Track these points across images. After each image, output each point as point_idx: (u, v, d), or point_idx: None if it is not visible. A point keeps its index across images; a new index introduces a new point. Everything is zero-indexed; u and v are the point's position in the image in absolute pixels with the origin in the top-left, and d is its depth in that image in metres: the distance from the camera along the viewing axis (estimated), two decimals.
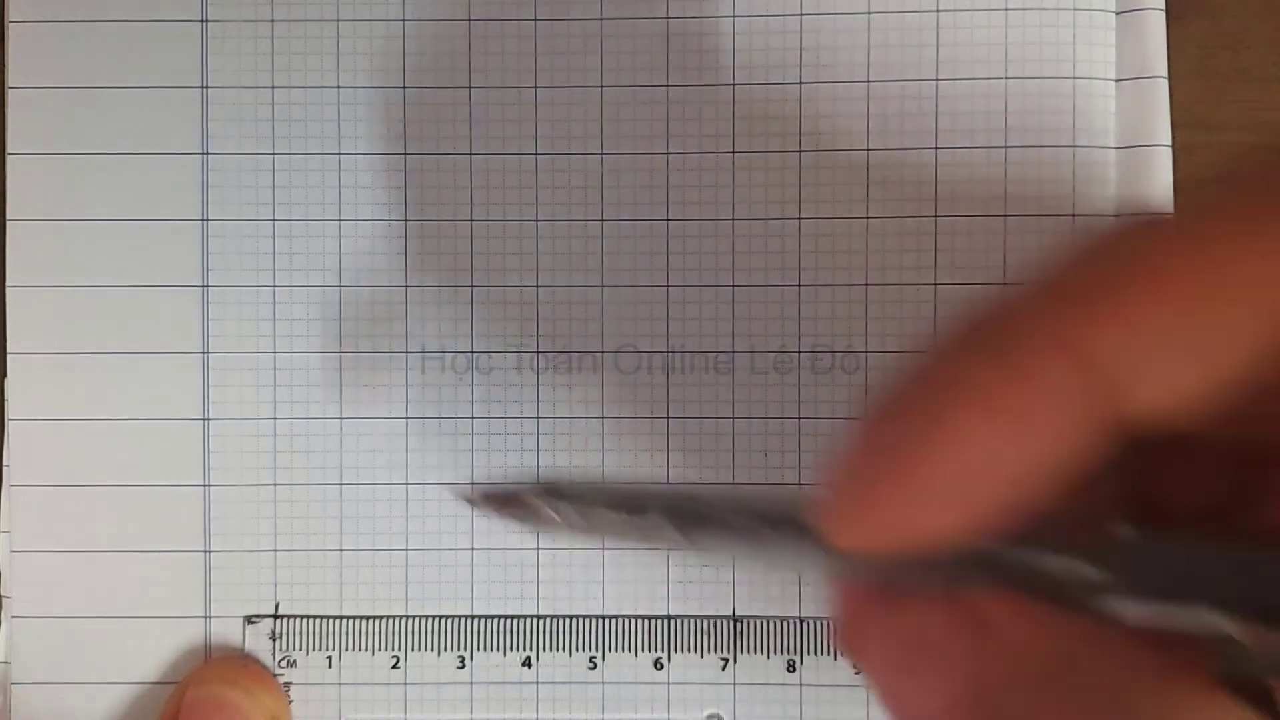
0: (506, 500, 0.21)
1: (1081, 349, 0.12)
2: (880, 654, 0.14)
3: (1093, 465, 0.13)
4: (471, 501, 0.23)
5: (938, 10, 0.28)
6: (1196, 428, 0.13)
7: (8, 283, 0.28)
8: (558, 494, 0.21)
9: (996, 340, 0.13)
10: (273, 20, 0.29)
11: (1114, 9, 0.28)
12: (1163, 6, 0.28)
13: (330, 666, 0.28)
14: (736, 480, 0.28)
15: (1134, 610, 0.13)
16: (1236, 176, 0.13)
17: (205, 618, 0.28)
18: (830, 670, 0.28)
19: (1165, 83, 0.28)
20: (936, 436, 0.13)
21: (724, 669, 0.28)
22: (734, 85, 0.28)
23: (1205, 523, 0.15)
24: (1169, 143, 0.28)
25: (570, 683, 0.28)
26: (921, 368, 0.13)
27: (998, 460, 0.12)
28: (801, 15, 0.28)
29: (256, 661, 0.28)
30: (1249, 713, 0.11)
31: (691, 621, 0.28)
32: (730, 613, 0.28)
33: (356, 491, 0.29)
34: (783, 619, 0.28)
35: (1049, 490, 0.13)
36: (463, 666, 0.28)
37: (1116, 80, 0.28)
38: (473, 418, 0.29)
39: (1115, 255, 0.13)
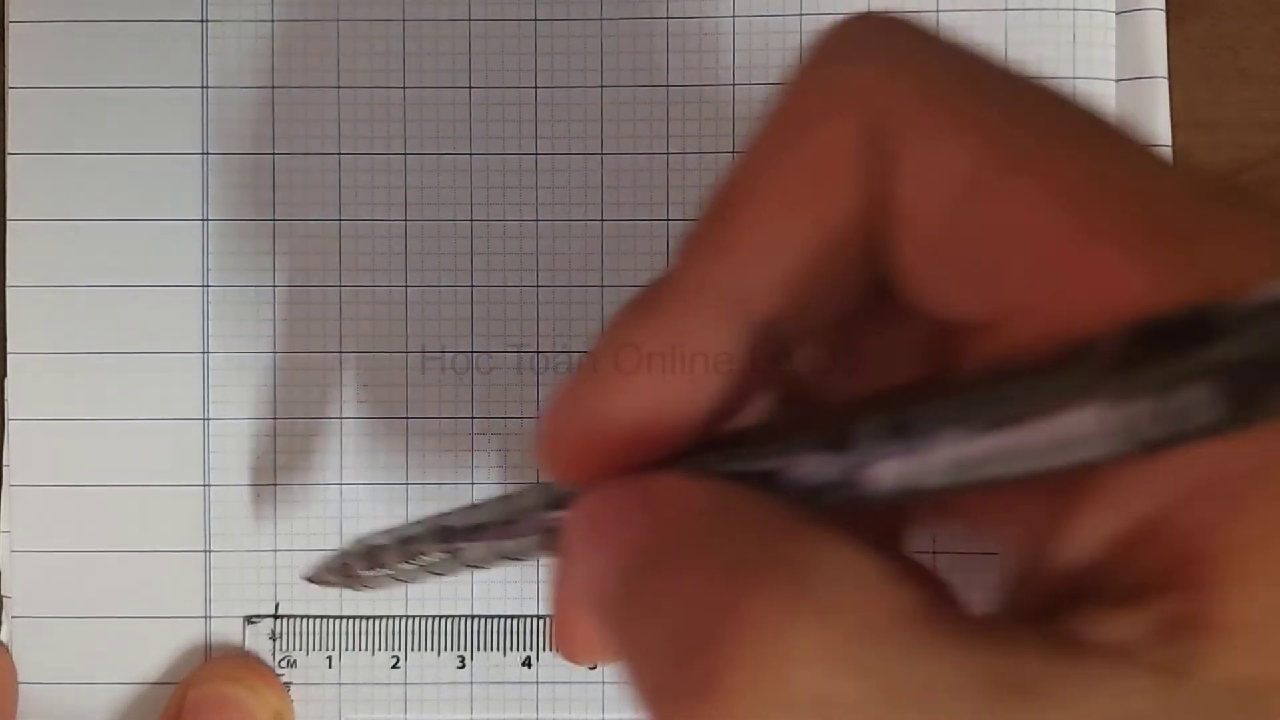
0: (336, 570, 0.24)
1: (714, 289, 0.15)
2: (570, 540, 0.16)
3: (756, 371, 0.16)
4: (311, 579, 0.26)
5: (938, 10, 0.28)
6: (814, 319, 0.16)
7: (8, 283, 0.28)
8: (367, 556, 0.23)
9: (652, 299, 0.15)
10: (273, 20, 0.29)
11: (1114, 9, 0.28)
12: (1163, 6, 0.28)
13: (330, 666, 0.28)
14: None
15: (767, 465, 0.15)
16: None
17: (205, 618, 0.28)
18: None
19: (1165, 83, 0.28)
20: (610, 391, 0.15)
21: None
22: (734, 85, 0.28)
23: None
24: (1169, 143, 0.28)
25: (570, 682, 0.28)
26: (603, 336, 0.16)
27: (664, 400, 0.15)
28: (801, 15, 0.28)
29: (258, 660, 0.28)
30: (849, 547, 0.14)
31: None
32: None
33: (356, 491, 0.29)
34: None
35: (723, 401, 0.15)
36: (463, 666, 0.28)
37: (1116, 80, 0.28)
38: (473, 417, 0.29)
39: (719, 199, 0.16)
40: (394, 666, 0.28)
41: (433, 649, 0.28)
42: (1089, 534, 0.14)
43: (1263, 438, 0.12)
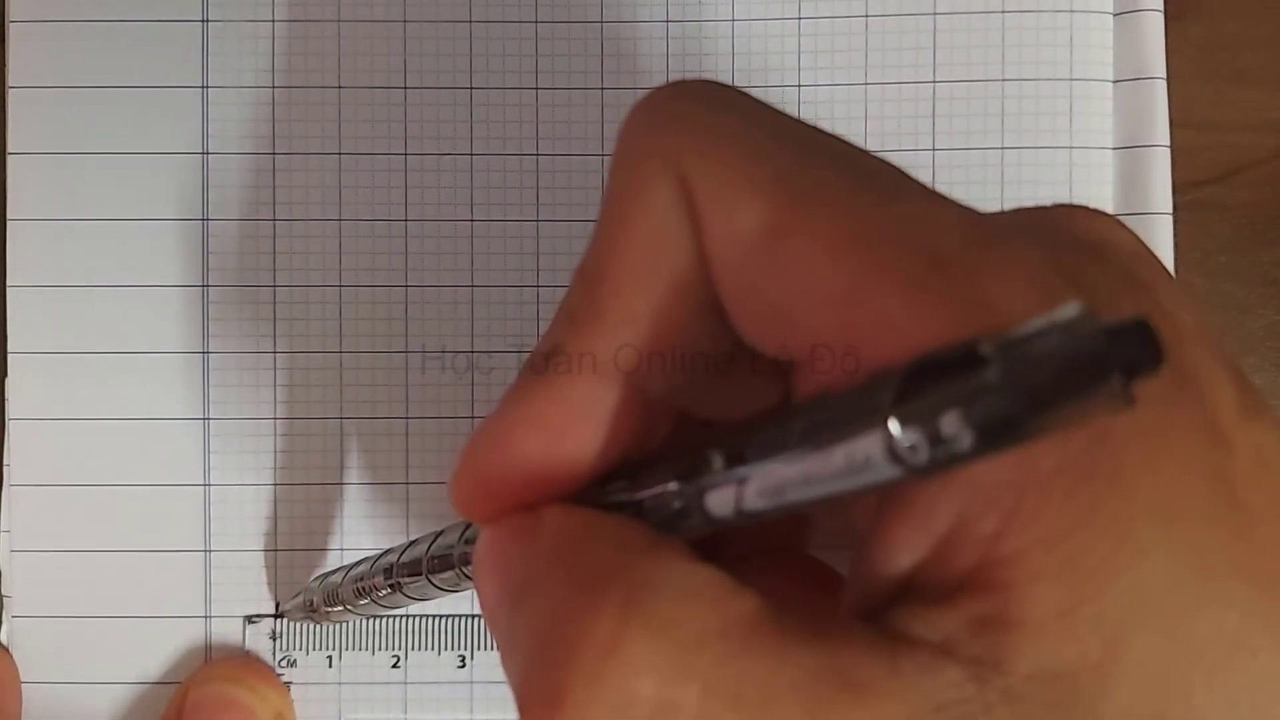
0: (302, 606, 0.27)
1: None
2: (475, 569, 0.18)
3: (637, 415, 0.17)
4: (284, 614, 0.28)
5: (935, 12, 0.28)
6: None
7: (8, 283, 0.28)
8: (328, 593, 0.26)
9: (540, 368, 0.17)
10: (273, 20, 0.29)
11: (1111, 10, 0.28)
12: (1160, 7, 0.28)
13: (330, 666, 0.28)
14: None
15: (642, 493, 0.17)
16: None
17: (205, 618, 0.28)
18: None
19: (1163, 84, 0.28)
20: (506, 444, 0.17)
21: None
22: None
23: None
24: (1167, 144, 0.28)
25: None
26: (503, 396, 0.18)
27: (552, 450, 0.17)
28: (800, 18, 0.28)
29: (259, 660, 0.28)
30: (688, 562, 0.15)
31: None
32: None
33: (356, 491, 0.29)
34: None
35: (608, 445, 0.17)
36: (463, 666, 0.28)
37: (1114, 81, 0.28)
38: (473, 418, 0.29)
39: (584, 273, 0.17)
40: (394, 666, 0.28)
41: (433, 649, 0.28)
42: (901, 543, 0.15)
43: (1037, 450, 0.13)
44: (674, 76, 0.28)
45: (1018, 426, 0.12)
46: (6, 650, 0.28)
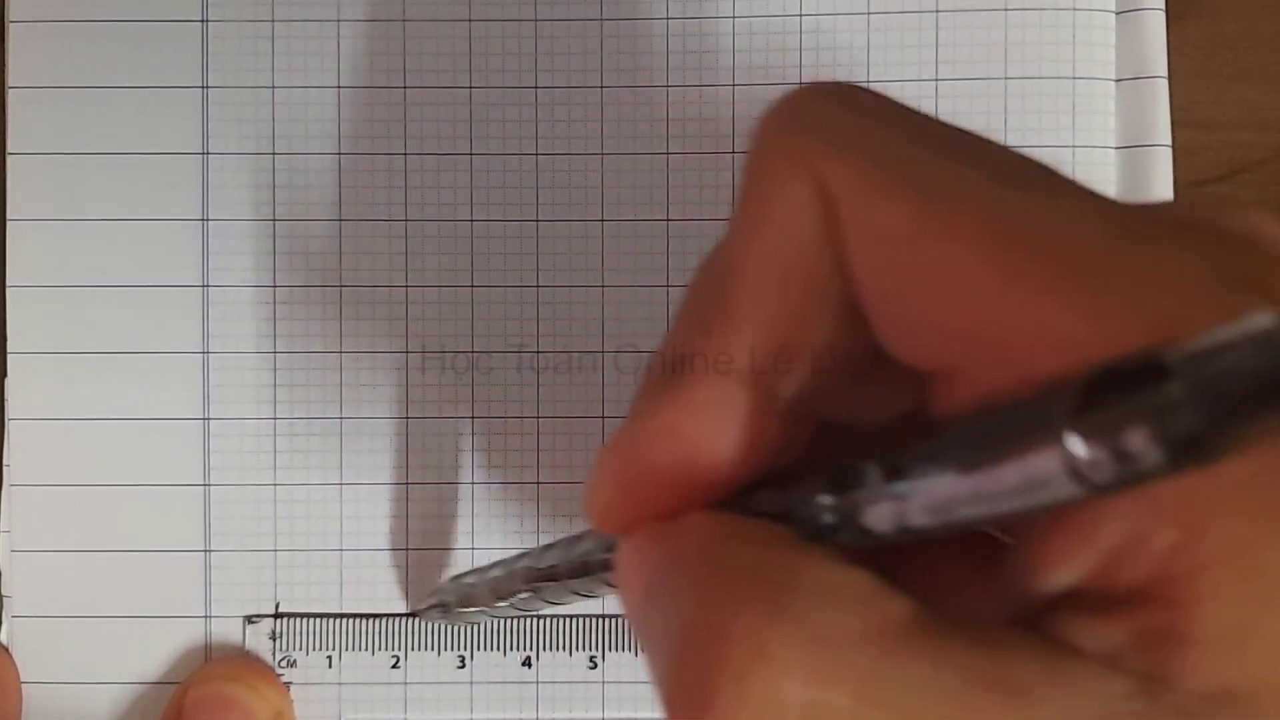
0: (437, 606, 0.27)
1: (723, 363, 0.16)
2: (617, 575, 0.18)
3: (772, 425, 0.17)
4: (418, 614, 0.28)
5: (937, 10, 0.28)
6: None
7: (8, 283, 0.28)
8: (464, 595, 0.26)
9: (672, 369, 0.17)
10: (273, 20, 0.29)
11: (1114, 9, 0.28)
12: (1162, 7, 0.28)
13: (330, 666, 0.28)
14: None
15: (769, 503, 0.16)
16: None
17: (205, 618, 0.28)
18: None
19: (1165, 83, 0.28)
20: (642, 457, 0.17)
21: None
22: (734, 86, 0.28)
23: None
24: (1169, 143, 0.28)
25: (570, 682, 0.28)
26: (632, 409, 0.17)
27: (688, 462, 0.17)
28: (801, 15, 0.28)
29: (258, 660, 0.28)
30: (836, 564, 0.15)
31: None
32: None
33: (356, 491, 0.29)
34: None
35: (743, 457, 0.17)
36: (463, 666, 0.28)
37: (1116, 80, 0.28)
38: (473, 417, 0.29)
39: (712, 278, 0.17)
40: (394, 666, 0.28)
41: (433, 649, 0.28)
42: (1064, 555, 0.14)
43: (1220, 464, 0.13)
44: (674, 75, 0.28)
45: (1209, 444, 0.11)
46: (7, 651, 0.28)
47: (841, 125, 0.16)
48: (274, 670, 0.28)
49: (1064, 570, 0.14)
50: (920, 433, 0.15)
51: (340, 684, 0.28)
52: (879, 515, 0.15)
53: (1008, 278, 0.14)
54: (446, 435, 0.29)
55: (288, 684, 0.28)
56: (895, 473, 0.15)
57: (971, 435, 0.14)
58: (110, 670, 0.28)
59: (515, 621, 0.28)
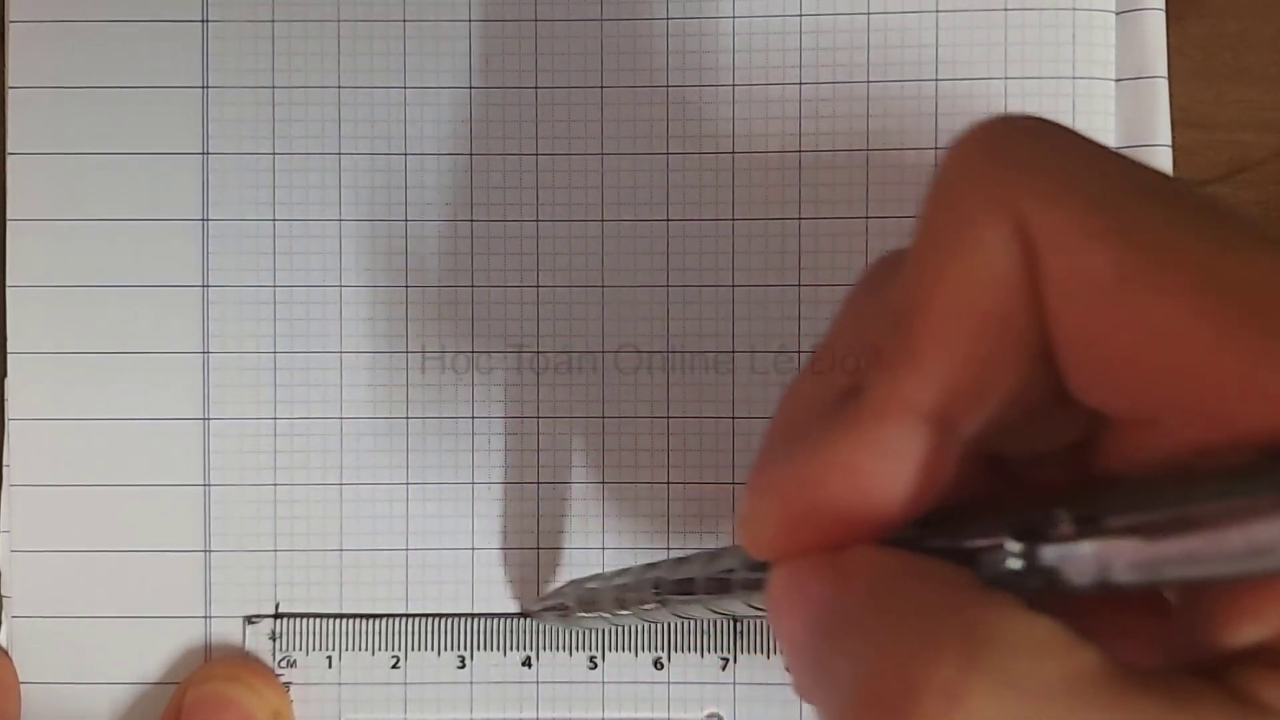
0: (555, 608, 0.27)
1: (904, 401, 0.16)
2: (768, 602, 0.18)
3: (946, 464, 0.16)
4: (530, 614, 0.28)
5: (937, 10, 0.28)
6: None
7: (8, 283, 0.28)
8: (585, 599, 0.26)
9: (854, 415, 0.16)
10: (273, 20, 0.29)
11: (1114, 9, 0.28)
12: (1162, 6, 0.28)
13: (330, 666, 0.28)
14: (737, 480, 0.28)
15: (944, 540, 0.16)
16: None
17: (205, 618, 0.28)
18: None
19: (1165, 83, 0.28)
20: (811, 489, 0.17)
21: (724, 669, 0.28)
22: (734, 86, 0.28)
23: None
24: (1169, 143, 0.28)
25: (570, 682, 0.28)
26: (803, 439, 0.17)
27: (861, 498, 0.16)
28: (801, 16, 0.28)
29: (258, 660, 0.28)
30: (1028, 613, 0.14)
31: (692, 621, 0.28)
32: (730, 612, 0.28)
33: (356, 491, 0.29)
34: None
35: (916, 495, 0.16)
36: (463, 666, 0.28)
37: (1116, 80, 0.28)
38: (473, 417, 0.29)
39: (896, 311, 0.16)
40: (394, 666, 0.28)
41: (433, 649, 0.28)
42: (1255, 614, 0.14)
43: None
44: (674, 75, 0.28)
45: None
46: (6, 653, 0.28)
47: (1043, 163, 0.16)
48: (273, 670, 0.28)
49: (1256, 627, 0.14)
50: (1117, 486, 0.14)
51: (340, 684, 0.28)
52: (1078, 568, 0.14)
53: (1222, 332, 0.14)
54: (446, 435, 0.29)
55: (287, 684, 0.28)
56: (1091, 523, 0.14)
57: (1187, 493, 0.13)
58: (110, 670, 0.28)
59: (514, 621, 0.28)
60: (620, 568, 0.26)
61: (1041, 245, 0.15)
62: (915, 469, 0.16)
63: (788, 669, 0.20)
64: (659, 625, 0.28)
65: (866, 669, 0.15)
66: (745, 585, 0.21)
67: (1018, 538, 0.15)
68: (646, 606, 0.24)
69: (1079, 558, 0.14)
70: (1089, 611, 0.16)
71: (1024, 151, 0.16)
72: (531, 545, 0.28)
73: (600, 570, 0.28)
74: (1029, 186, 0.15)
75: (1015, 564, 0.15)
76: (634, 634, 0.28)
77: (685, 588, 0.22)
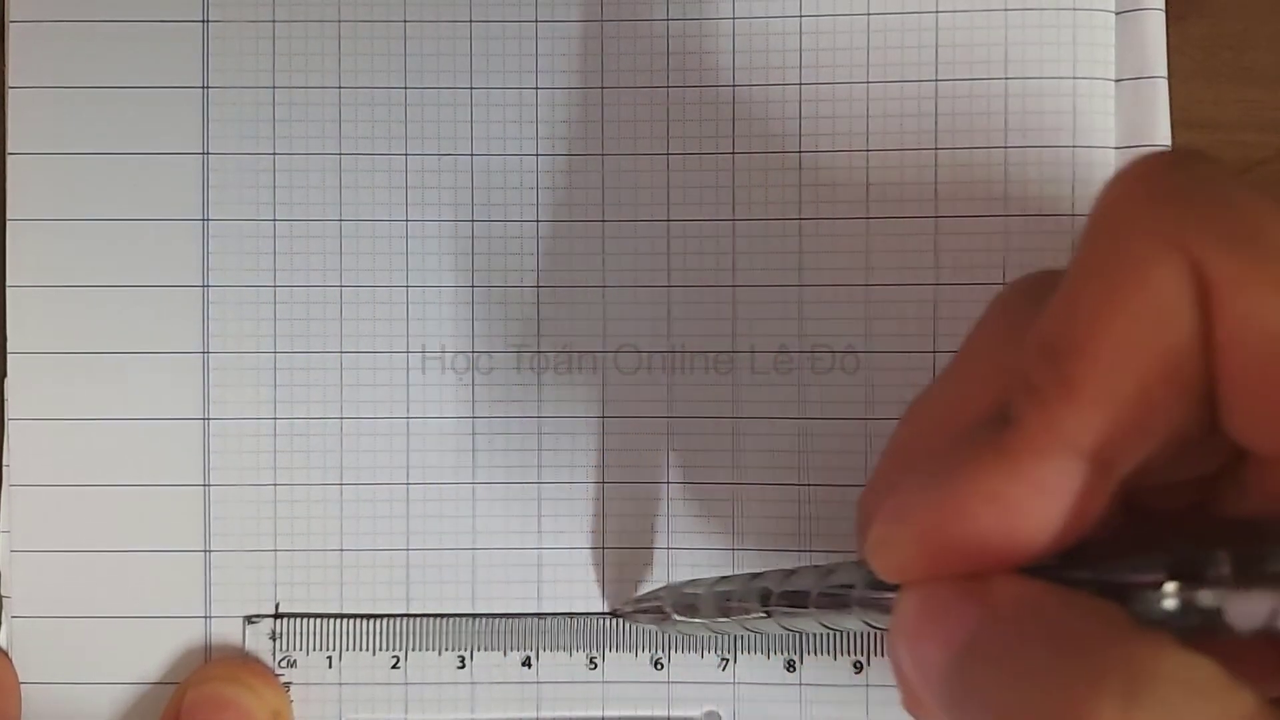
0: (649, 610, 0.27)
1: (1060, 435, 0.16)
2: (900, 624, 0.18)
3: (1096, 499, 0.16)
4: (623, 615, 0.28)
5: (937, 11, 0.28)
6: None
7: (8, 283, 0.28)
8: (684, 603, 0.26)
9: (1007, 447, 0.16)
10: (273, 20, 0.29)
11: (1113, 9, 0.28)
12: (1162, 6, 0.28)
13: (330, 666, 0.28)
14: (736, 480, 0.28)
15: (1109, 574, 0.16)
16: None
17: (205, 618, 0.28)
18: (829, 670, 0.28)
19: (1165, 83, 0.28)
20: (953, 517, 0.17)
21: (723, 668, 0.28)
22: (734, 86, 0.28)
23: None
24: (1169, 143, 0.28)
25: (570, 682, 0.28)
26: (949, 464, 0.17)
27: (1008, 529, 0.16)
28: (801, 16, 0.28)
29: (257, 660, 0.28)
30: (1187, 653, 0.14)
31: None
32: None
33: (356, 491, 0.29)
34: None
35: (1064, 527, 0.16)
36: (463, 666, 0.28)
37: (1116, 80, 0.28)
38: (473, 417, 0.29)
39: (1054, 345, 0.16)
40: (394, 666, 0.28)
41: (433, 649, 0.28)
42: None
43: None
44: (674, 76, 0.28)
45: None
46: (6, 654, 0.28)
47: (1214, 205, 0.16)
48: (272, 670, 0.28)
49: None
50: (1231, 508, 0.15)
51: (340, 684, 0.28)
52: (1245, 613, 0.14)
53: None
54: (446, 435, 0.29)
55: (288, 684, 0.28)
56: (1255, 565, 0.14)
57: None
58: (110, 670, 0.28)
59: (514, 621, 0.28)
60: (721, 575, 0.26)
61: (1218, 290, 0.15)
62: (1069, 505, 0.16)
63: (902, 687, 0.20)
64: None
65: (1024, 702, 0.15)
66: (867, 604, 0.20)
67: (1175, 577, 0.15)
68: (753, 616, 0.24)
69: (1244, 602, 0.14)
70: (1232, 650, 0.16)
71: (1194, 191, 0.16)
72: (532, 545, 0.28)
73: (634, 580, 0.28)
74: (1203, 229, 0.15)
75: (1171, 604, 0.15)
76: (634, 634, 0.28)
77: (797, 600, 0.22)
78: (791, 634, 0.24)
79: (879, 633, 0.21)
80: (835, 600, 0.21)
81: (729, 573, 0.26)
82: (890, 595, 0.19)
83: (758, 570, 0.24)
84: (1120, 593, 0.16)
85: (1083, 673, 0.14)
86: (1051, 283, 0.17)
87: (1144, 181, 0.16)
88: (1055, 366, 0.16)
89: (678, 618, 0.26)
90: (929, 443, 0.20)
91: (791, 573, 0.23)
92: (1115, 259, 0.16)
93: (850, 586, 0.21)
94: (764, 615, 0.23)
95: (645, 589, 0.28)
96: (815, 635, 0.28)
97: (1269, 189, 0.15)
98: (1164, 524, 0.17)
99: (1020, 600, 0.16)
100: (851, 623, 0.21)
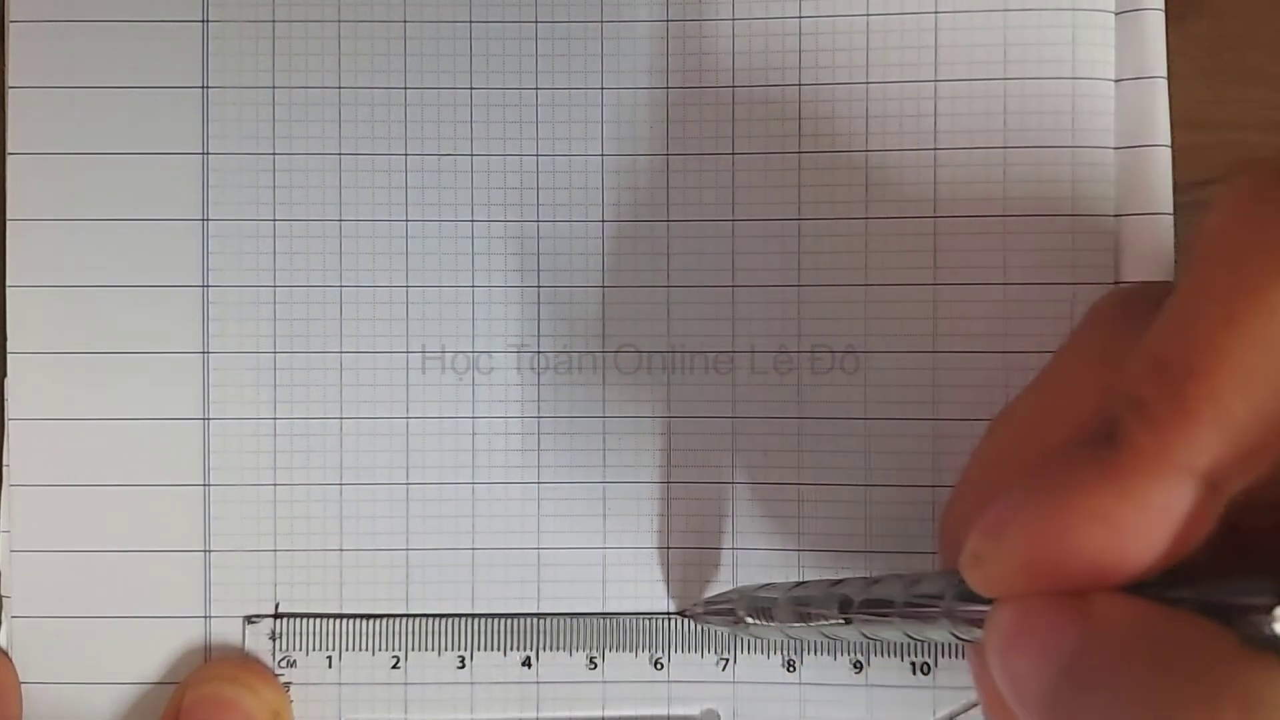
0: (721, 612, 0.27)
1: (1173, 458, 0.16)
2: (995, 639, 0.17)
3: (1203, 521, 0.16)
4: (692, 615, 0.28)
5: (936, 11, 0.28)
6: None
7: (8, 283, 0.28)
8: (757, 607, 0.26)
9: (1117, 467, 0.16)
10: (273, 20, 0.29)
11: (1113, 9, 0.28)
12: (1162, 6, 0.28)
13: (330, 666, 0.28)
14: (736, 480, 0.28)
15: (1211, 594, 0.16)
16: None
17: (205, 618, 0.28)
18: (829, 669, 0.28)
19: (1164, 83, 0.28)
20: (1058, 534, 0.17)
21: (723, 668, 0.28)
22: (734, 87, 0.28)
23: None
24: (1168, 143, 0.28)
25: (570, 682, 0.28)
26: (1052, 484, 0.17)
27: (1113, 549, 0.16)
28: (800, 18, 0.28)
29: (257, 660, 0.28)
30: None
31: (691, 620, 0.28)
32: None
33: (356, 491, 0.29)
34: None
35: (1169, 549, 0.16)
36: (463, 666, 0.28)
37: (1115, 80, 0.28)
38: (473, 417, 0.29)
39: (1168, 365, 0.16)
40: (394, 666, 0.28)
41: (433, 649, 0.28)
42: None
43: None
44: (674, 77, 0.28)
45: None
46: (6, 655, 0.28)
47: None
48: (272, 670, 0.28)
49: None
50: None
51: (340, 684, 0.28)
52: None
53: None
54: (446, 435, 0.29)
55: (287, 684, 0.28)
56: None
57: None
58: (110, 670, 0.28)
59: (515, 621, 0.28)
60: (796, 580, 0.26)
61: None
62: (1177, 525, 0.16)
63: (985, 697, 0.20)
64: (663, 624, 0.28)
65: None
66: (957, 616, 0.20)
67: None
68: (831, 622, 0.24)
69: None
70: None
71: None
72: (531, 545, 0.28)
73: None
74: None
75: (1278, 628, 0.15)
76: (634, 633, 0.28)
77: (881, 609, 0.22)
78: (873, 641, 0.24)
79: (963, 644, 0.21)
80: (922, 610, 0.21)
81: (773, 579, 0.27)
82: (983, 608, 0.19)
83: (837, 577, 0.24)
84: (1224, 614, 0.15)
85: (1195, 696, 0.14)
86: (1152, 298, 0.17)
87: (1260, 200, 0.16)
88: (1169, 387, 0.16)
89: (751, 621, 0.26)
90: (1022, 456, 0.19)
91: (875, 581, 0.23)
92: (1236, 280, 0.16)
93: (938, 597, 0.21)
94: (844, 622, 0.23)
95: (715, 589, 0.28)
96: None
97: None
98: (1255, 542, 0.17)
99: (1125, 620, 0.16)
100: (936, 633, 0.21)
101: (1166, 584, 0.16)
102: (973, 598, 0.19)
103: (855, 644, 0.28)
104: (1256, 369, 0.15)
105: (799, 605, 0.25)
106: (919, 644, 0.28)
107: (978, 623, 0.19)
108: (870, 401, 0.28)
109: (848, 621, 0.23)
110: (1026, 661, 0.17)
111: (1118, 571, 0.16)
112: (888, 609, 0.22)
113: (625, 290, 0.28)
